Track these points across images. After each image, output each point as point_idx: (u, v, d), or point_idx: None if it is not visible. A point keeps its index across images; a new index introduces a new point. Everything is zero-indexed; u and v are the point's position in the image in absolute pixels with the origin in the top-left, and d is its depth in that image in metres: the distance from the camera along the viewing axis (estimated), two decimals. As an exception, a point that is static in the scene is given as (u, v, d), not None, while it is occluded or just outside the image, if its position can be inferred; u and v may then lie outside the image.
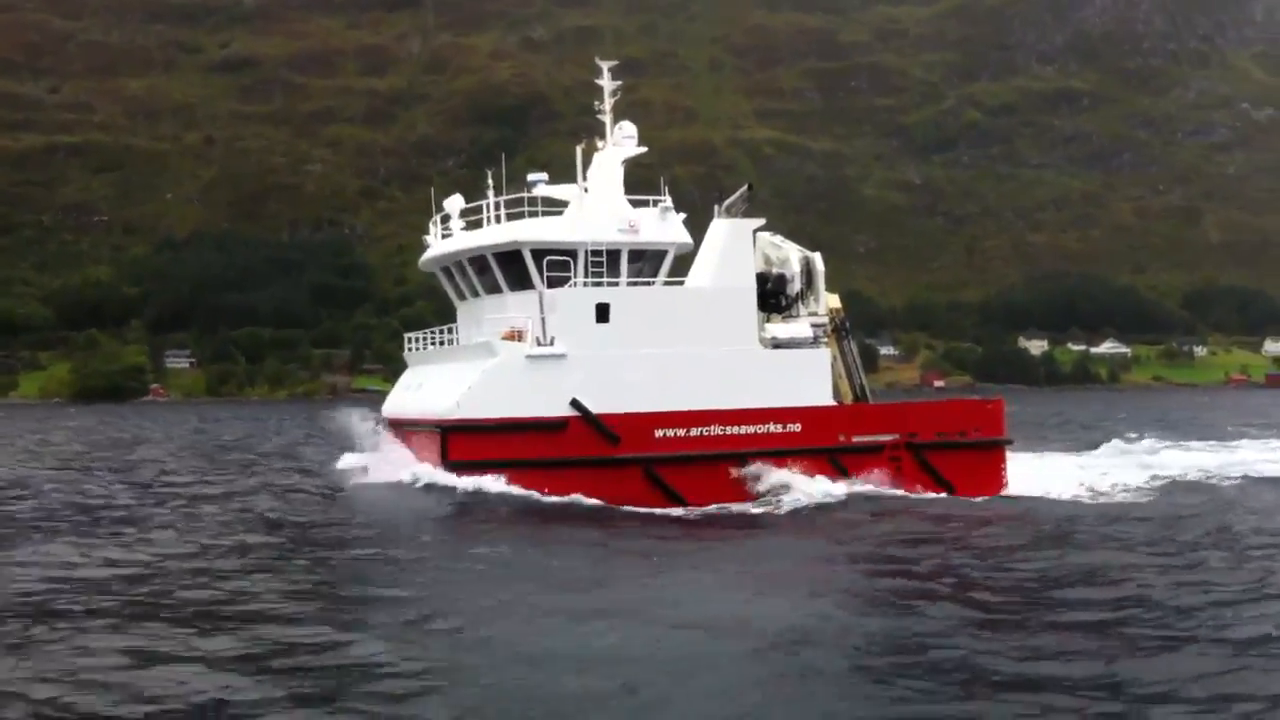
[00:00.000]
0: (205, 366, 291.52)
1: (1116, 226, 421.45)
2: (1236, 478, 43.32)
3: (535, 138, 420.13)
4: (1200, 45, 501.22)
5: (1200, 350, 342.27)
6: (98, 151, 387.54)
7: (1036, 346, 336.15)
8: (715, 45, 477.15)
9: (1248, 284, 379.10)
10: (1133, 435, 63.52)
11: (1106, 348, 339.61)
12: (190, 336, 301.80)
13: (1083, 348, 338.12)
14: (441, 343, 44.97)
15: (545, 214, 40.18)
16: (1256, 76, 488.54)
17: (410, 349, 46.76)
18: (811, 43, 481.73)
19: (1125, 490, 40.80)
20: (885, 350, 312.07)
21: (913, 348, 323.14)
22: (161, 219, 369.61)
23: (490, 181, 41.51)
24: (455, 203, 42.28)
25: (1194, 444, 61.13)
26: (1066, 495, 39.33)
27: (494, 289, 39.97)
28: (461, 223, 41.99)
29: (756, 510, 36.04)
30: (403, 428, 42.62)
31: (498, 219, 40.18)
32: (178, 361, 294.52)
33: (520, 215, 40.01)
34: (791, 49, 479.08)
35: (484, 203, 40.64)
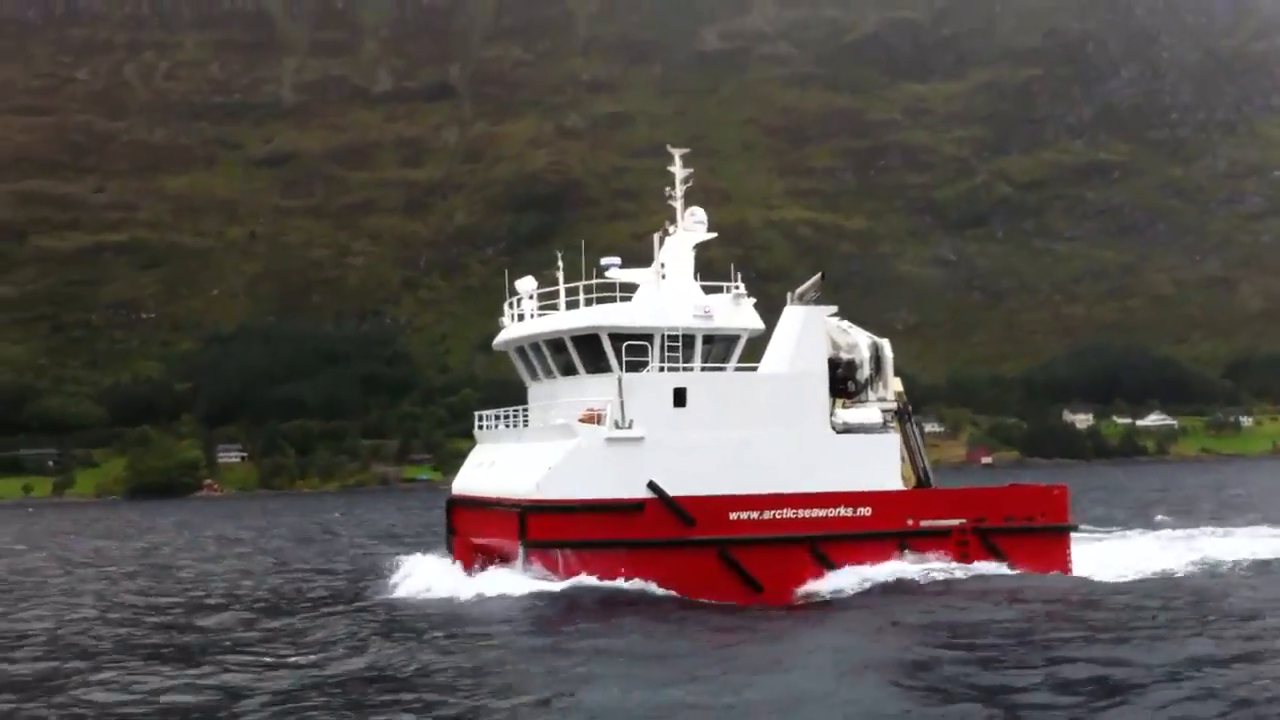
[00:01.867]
0: (257, 460, 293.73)
1: (1154, 297, 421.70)
2: None
3: (571, 222, 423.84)
4: (1228, 114, 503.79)
5: (1246, 420, 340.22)
6: (143, 249, 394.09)
7: (1082, 420, 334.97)
8: (747, 126, 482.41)
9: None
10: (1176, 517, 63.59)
11: (1152, 420, 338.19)
12: (240, 430, 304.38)
13: (1128, 420, 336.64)
14: (511, 422, 45.36)
15: (619, 299, 40.97)
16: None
17: (481, 427, 47.24)
18: (842, 122, 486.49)
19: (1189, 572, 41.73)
20: (930, 427, 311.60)
21: (957, 424, 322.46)
22: (207, 314, 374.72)
23: (560, 263, 42.53)
24: (527, 284, 43.36)
25: (1262, 529, 61.15)
26: (1129, 578, 40.08)
27: (570, 371, 40.89)
28: (533, 305, 43.12)
29: (830, 595, 37.16)
30: (475, 506, 43.16)
31: (570, 304, 41.20)
32: (228, 456, 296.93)
33: (592, 300, 40.81)
34: (822, 128, 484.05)
35: (556, 286, 41.74)
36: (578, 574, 37.07)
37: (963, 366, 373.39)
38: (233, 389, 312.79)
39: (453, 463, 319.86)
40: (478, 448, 46.99)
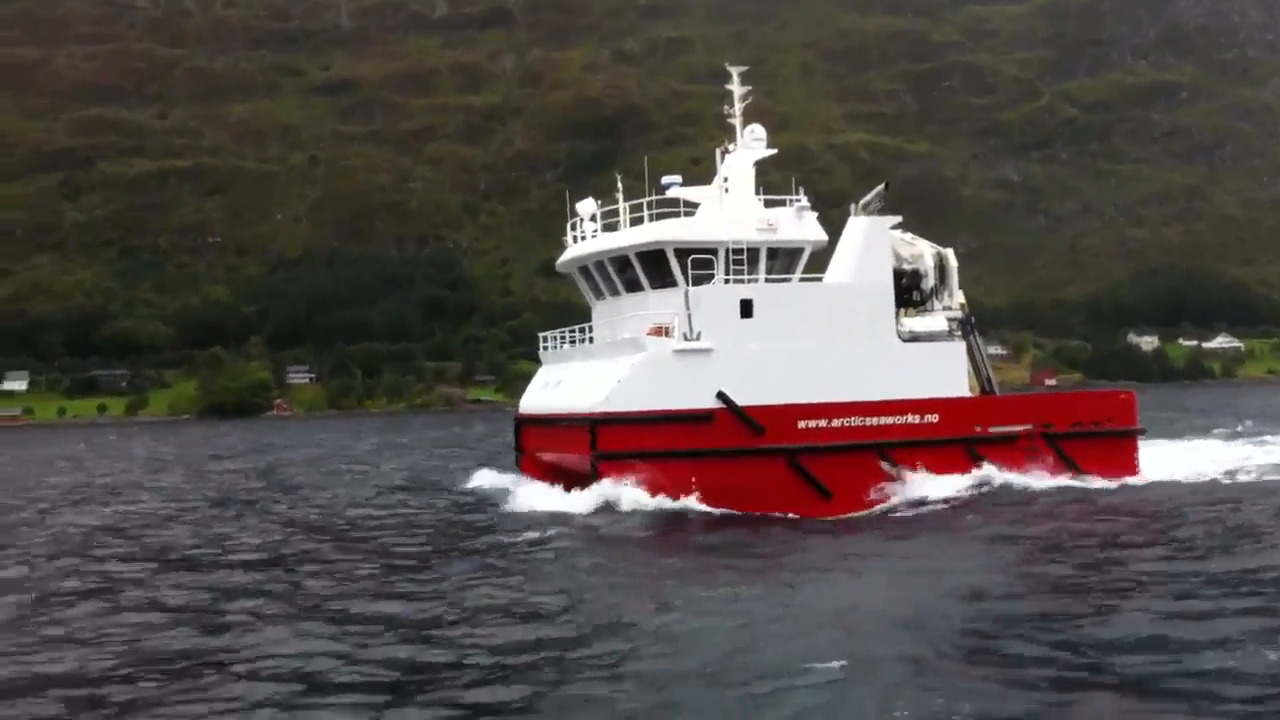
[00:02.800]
0: (325, 381, 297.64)
1: (1221, 219, 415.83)
2: None
3: (631, 148, 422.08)
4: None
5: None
6: (207, 175, 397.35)
7: (1147, 343, 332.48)
8: (806, 50, 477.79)
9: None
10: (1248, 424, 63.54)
11: (1219, 342, 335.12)
12: (307, 352, 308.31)
13: (1194, 343, 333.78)
14: (574, 341, 45.87)
15: (681, 215, 40.90)
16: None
17: (545, 348, 47.58)
18: (902, 45, 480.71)
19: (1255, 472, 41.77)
20: (993, 350, 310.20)
21: (1020, 347, 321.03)
22: (272, 239, 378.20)
23: (620, 184, 42.67)
24: (588, 206, 43.50)
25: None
26: (1198, 479, 40.26)
27: (635, 287, 40.96)
28: (595, 226, 43.13)
29: (898, 502, 37.43)
30: (544, 424, 43.35)
31: (633, 222, 41.20)
32: (296, 377, 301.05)
33: (653, 217, 40.79)
34: (882, 52, 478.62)
35: (617, 205, 41.65)
36: (649, 484, 37.05)
37: (1026, 290, 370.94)
38: (299, 312, 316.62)
39: (516, 385, 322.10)
40: (544, 368, 47.26)
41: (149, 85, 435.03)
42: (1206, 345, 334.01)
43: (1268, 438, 58.70)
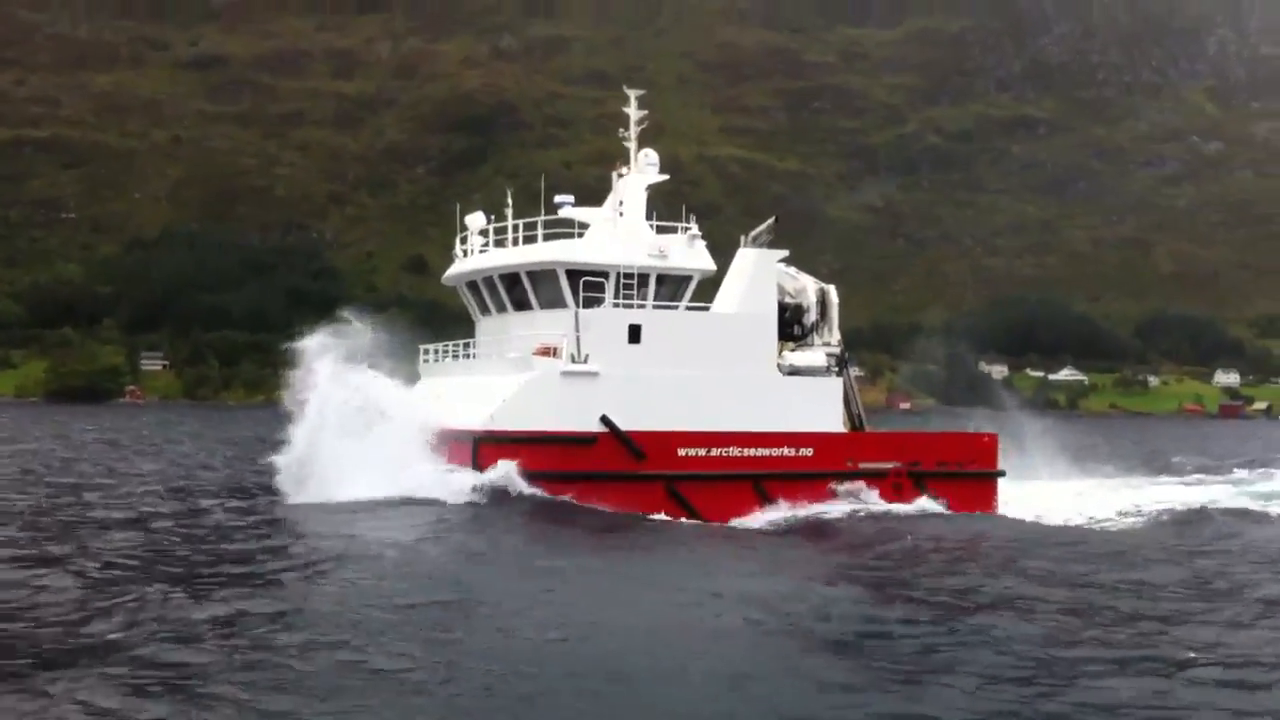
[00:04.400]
0: (180, 369, 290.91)
1: (1071, 254, 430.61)
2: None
3: (504, 146, 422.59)
4: (1154, 77, 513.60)
5: (1153, 380, 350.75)
6: (65, 147, 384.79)
7: (998, 372, 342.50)
8: (683, 61, 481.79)
9: (1198, 314, 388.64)
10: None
11: (1064, 375, 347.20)
12: (163, 337, 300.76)
13: (1041, 374, 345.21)
14: (458, 355, 46.17)
15: (555, 236, 41.46)
16: (1208, 110, 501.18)
17: (426, 360, 48.01)
18: (777, 61, 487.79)
19: (1120, 518, 44.05)
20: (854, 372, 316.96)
21: (878, 369, 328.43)
22: (130, 217, 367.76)
23: (509, 200, 42.81)
24: (477, 220, 43.83)
25: (1163, 478, 64.18)
26: (1051, 521, 42.10)
27: (523, 305, 41.41)
28: (481, 240, 43.55)
29: (767, 525, 38.43)
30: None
31: (522, 239, 41.69)
32: (150, 364, 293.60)
33: (534, 235, 41.26)
34: (758, 67, 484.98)
35: (505, 222, 42.17)
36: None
37: (886, 313, 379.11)
38: (156, 295, 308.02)
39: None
40: (423, 379, 47.38)
41: (6, 49, 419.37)
42: (1052, 377, 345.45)
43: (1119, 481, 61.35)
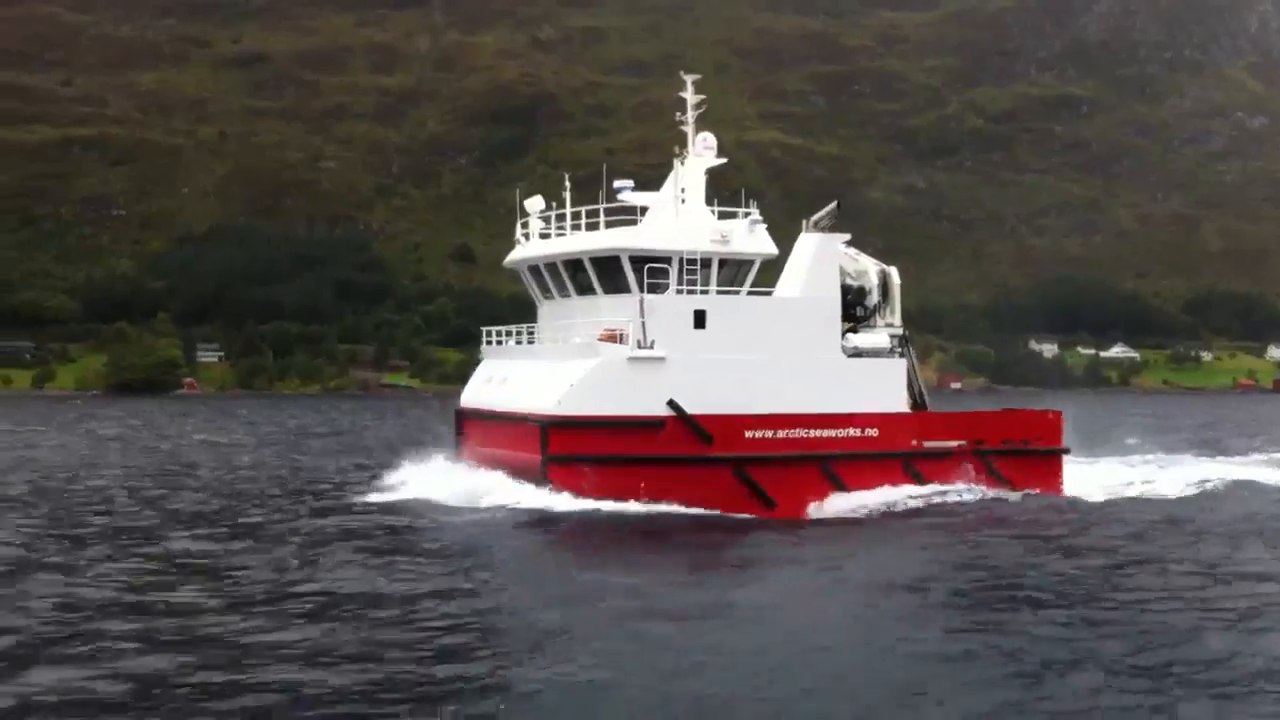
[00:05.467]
0: (235, 361, 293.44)
1: (1117, 232, 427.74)
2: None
3: (545, 137, 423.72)
4: (1195, 54, 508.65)
5: (1206, 355, 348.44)
6: (112, 145, 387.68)
7: (1048, 350, 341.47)
8: (720, 48, 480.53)
9: (1248, 290, 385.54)
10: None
11: (1116, 351, 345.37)
12: (217, 330, 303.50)
13: (1092, 351, 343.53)
14: (521, 340, 46.78)
15: (617, 223, 42.04)
16: (1250, 86, 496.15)
17: (488, 343, 48.71)
18: (815, 46, 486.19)
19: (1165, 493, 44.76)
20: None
21: (927, 350, 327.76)
22: (178, 213, 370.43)
23: (567, 184, 43.72)
24: (536, 203, 44.54)
25: (1235, 458, 65.25)
26: (1113, 497, 42.92)
27: (586, 291, 41.99)
28: (540, 224, 44.29)
29: (838, 512, 39.06)
30: (489, 419, 44.31)
31: (576, 227, 42.47)
32: (205, 356, 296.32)
33: (597, 221, 41.91)
34: (795, 52, 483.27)
35: (564, 209, 43.01)
36: (597, 488, 37.85)
37: (931, 294, 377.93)
38: (208, 289, 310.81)
39: (430, 370, 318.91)
40: (485, 362, 48.08)
41: (53, 51, 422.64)
42: (1104, 354, 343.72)
43: (1178, 458, 61.83)
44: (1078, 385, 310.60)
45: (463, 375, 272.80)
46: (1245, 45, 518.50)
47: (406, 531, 34.74)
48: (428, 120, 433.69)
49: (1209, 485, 47.08)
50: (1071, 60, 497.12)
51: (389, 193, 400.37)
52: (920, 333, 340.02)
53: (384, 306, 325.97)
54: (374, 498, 42.33)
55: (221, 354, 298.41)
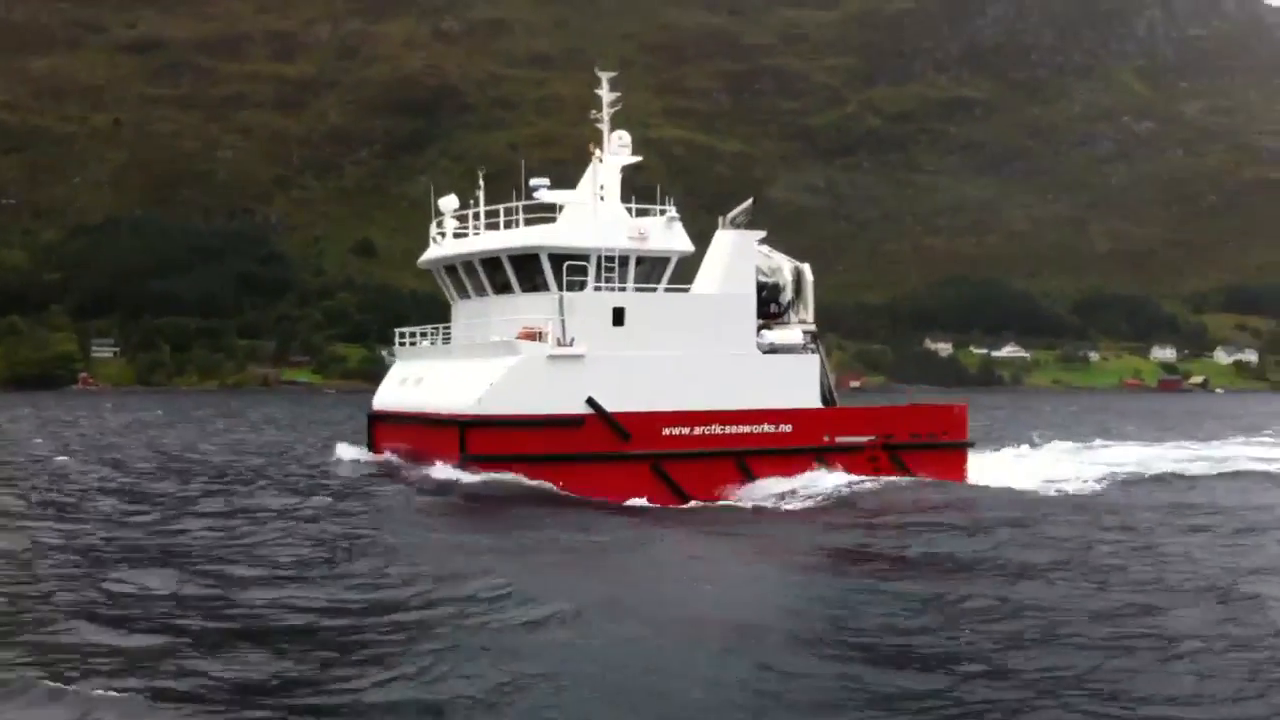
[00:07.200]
0: (131, 355, 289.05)
1: (1010, 233, 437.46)
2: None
3: (448, 129, 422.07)
4: (1086, 59, 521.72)
5: (1093, 355, 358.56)
6: (4, 132, 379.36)
7: (943, 349, 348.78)
8: (625, 42, 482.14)
9: (1134, 291, 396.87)
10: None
11: (1008, 351, 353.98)
12: (113, 324, 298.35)
13: (985, 351, 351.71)
14: (433, 340, 46.92)
15: (533, 220, 41.88)
16: (1138, 90, 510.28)
17: (401, 344, 48.78)
18: (718, 44, 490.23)
19: (1077, 482, 46.62)
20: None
21: (826, 348, 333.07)
22: (72, 203, 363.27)
23: (481, 183, 43.55)
24: (450, 202, 44.44)
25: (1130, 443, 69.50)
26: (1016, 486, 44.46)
27: (504, 289, 41.89)
28: (455, 223, 44.23)
29: (752, 503, 39.49)
30: (403, 422, 44.30)
31: (492, 226, 42.35)
32: (101, 350, 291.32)
33: (513, 219, 41.84)
34: (699, 49, 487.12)
35: (480, 209, 42.92)
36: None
37: (829, 293, 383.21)
38: (104, 282, 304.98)
39: (332, 366, 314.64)
40: (399, 363, 47.87)
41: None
42: (996, 354, 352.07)
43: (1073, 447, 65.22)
44: (972, 384, 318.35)
45: (365, 372, 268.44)
46: (1133, 50, 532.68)
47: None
48: (329, 111, 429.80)
49: (1109, 474, 49.19)
50: (967, 63, 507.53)
51: (289, 184, 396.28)
52: (820, 331, 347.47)
53: (284, 301, 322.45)
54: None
55: (117, 349, 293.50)
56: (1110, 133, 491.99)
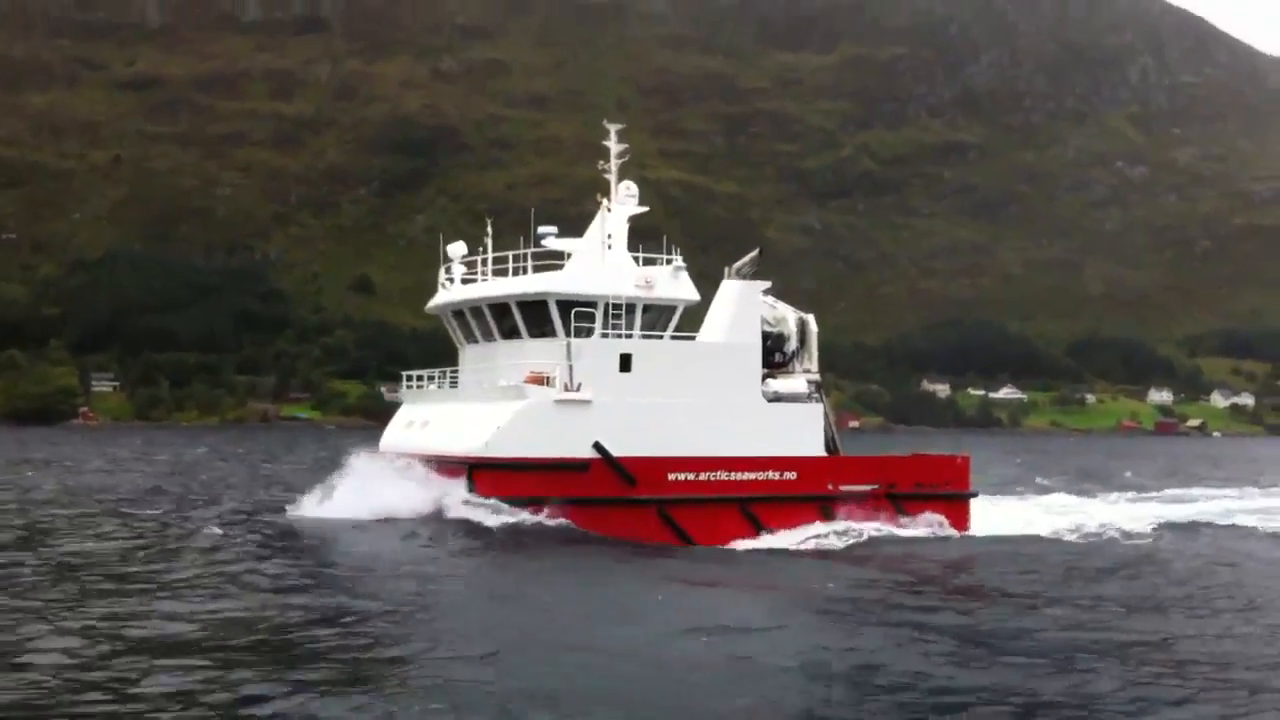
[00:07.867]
0: (131, 391, 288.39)
1: (1004, 276, 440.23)
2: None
3: (446, 168, 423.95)
4: (1079, 104, 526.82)
5: (1090, 398, 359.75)
6: (3, 167, 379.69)
7: (940, 390, 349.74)
8: (623, 84, 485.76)
9: (1129, 335, 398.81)
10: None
11: (1005, 393, 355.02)
12: (112, 359, 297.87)
13: (982, 392, 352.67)
14: (442, 383, 46.96)
15: (541, 267, 42.49)
16: (1131, 135, 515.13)
17: (408, 386, 48.98)
18: (714, 86, 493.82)
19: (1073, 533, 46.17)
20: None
21: (824, 389, 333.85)
22: (71, 238, 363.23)
23: (489, 230, 44.29)
24: (458, 249, 45.04)
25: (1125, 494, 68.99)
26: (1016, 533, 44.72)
27: (512, 334, 42.27)
28: (463, 269, 44.82)
29: (757, 548, 40.03)
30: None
31: (500, 272, 43.04)
32: (100, 385, 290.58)
33: (520, 267, 42.56)
34: (695, 91, 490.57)
35: (488, 255, 43.57)
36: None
37: (825, 334, 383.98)
38: (103, 317, 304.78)
39: (332, 403, 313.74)
40: (405, 406, 48.32)
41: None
42: (993, 395, 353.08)
43: (1089, 498, 64.36)
44: (970, 425, 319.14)
45: (364, 408, 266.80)
46: (1126, 95, 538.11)
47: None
48: (327, 149, 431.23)
49: (1113, 525, 49.09)
50: (961, 107, 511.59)
51: (287, 221, 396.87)
52: (819, 370, 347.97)
53: (282, 337, 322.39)
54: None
55: (116, 384, 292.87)
56: (1103, 178, 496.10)
